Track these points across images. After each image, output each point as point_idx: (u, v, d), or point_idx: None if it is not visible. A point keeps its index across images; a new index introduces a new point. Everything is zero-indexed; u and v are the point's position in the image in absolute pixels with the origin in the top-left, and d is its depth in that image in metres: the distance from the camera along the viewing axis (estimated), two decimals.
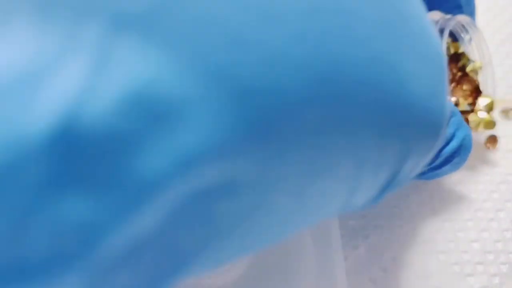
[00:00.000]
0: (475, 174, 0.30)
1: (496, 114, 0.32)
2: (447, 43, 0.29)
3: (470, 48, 0.30)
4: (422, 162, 0.18)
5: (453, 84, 0.29)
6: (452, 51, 0.30)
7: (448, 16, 0.28)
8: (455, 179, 0.30)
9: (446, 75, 0.17)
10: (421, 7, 0.16)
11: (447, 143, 0.24)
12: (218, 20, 0.12)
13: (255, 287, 0.25)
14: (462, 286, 0.26)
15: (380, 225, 0.28)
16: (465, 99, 0.29)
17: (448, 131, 0.24)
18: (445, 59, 0.17)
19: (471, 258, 0.27)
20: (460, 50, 0.30)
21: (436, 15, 0.28)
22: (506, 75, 0.34)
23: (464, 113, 0.29)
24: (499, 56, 0.35)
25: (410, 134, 0.16)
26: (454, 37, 0.30)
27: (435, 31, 0.17)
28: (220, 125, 0.12)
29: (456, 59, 0.30)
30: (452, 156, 0.24)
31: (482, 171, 0.30)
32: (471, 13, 0.30)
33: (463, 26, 0.29)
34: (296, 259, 0.25)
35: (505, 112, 0.32)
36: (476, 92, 0.29)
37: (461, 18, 0.28)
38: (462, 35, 0.29)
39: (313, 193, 0.15)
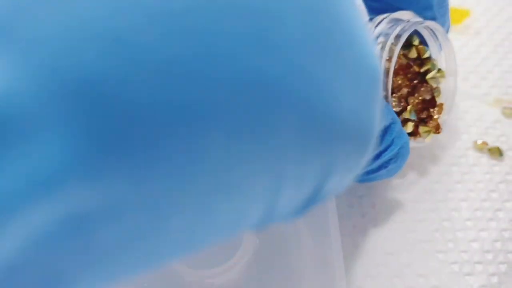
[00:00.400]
0: (474, 174, 0.30)
1: (495, 114, 0.32)
2: (414, 45, 0.28)
3: (439, 56, 0.29)
4: (349, 176, 0.17)
5: (406, 90, 0.28)
6: (415, 54, 0.28)
7: (418, 19, 0.27)
8: (455, 179, 0.30)
9: (379, 87, 0.16)
10: (355, 11, 0.15)
11: (385, 149, 0.24)
12: (75, 21, 0.11)
13: (255, 286, 0.25)
14: (461, 285, 0.26)
15: (379, 224, 0.28)
16: (414, 106, 0.28)
17: (388, 138, 0.24)
18: (379, 71, 0.15)
19: (470, 258, 0.27)
20: (426, 55, 0.28)
21: (407, 15, 0.27)
22: (503, 75, 0.34)
23: (409, 120, 0.28)
24: (497, 56, 0.35)
25: (335, 149, 0.15)
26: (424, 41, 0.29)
27: (369, 40, 0.16)
28: (72, 142, 0.11)
29: (420, 63, 0.29)
30: (389, 162, 0.24)
31: (481, 171, 0.30)
32: (444, 16, 0.29)
33: (432, 31, 0.28)
34: (296, 258, 0.25)
35: (504, 112, 0.32)
36: (430, 102, 0.29)
37: (431, 24, 0.27)
38: (432, 41, 0.28)
39: (220, 210, 0.14)
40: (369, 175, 0.24)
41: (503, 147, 0.31)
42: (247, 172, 0.13)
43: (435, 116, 0.28)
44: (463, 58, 0.35)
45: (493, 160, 0.30)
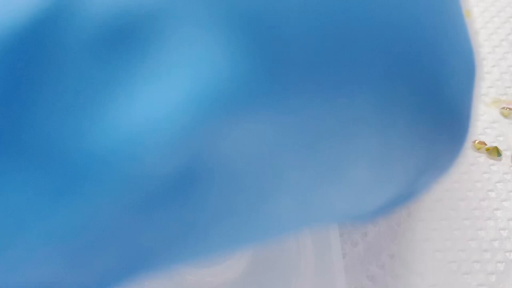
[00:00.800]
0: (472, 173, 0.30)
1: (494, 114, 0.32)
2: None
3: None
4: (440, 175, 0.16)
5: None
6: None
7: None
8: (453, 178, 0.30)
9: (476, 78, 0.15)
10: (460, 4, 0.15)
11: None
12: None
13: (255, 285, 0.25)
14: (459, 284, 0.26)
15: (378, 223, 0.28)
16: None
17: None
18: (476, 61, 0.15)
19: (468, 257, 0.27)
20: None
21: None
22: (502, 76, 0.34)
23: None
24: (496, 57, 0.35)
25: (438, 141, 0.14)
26: None
27: (470, 31, 0.15)
28: (241, 64, 0.09)
29: None
30: None
31: (479, 170, 0.30)
32: None
33: None
34: (295, 257, 0.25)
35: (502, 112, 0.32)
36: None
37: None
38: None
39: (319, 193, 0.13)
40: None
41: (501, 147, 0.31)
42: (360, 152, 0.12)
43: None
44: None
45: (491, 160, 0.31)
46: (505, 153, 0.31)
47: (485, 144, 0.31)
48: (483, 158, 0.31)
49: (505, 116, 0.32)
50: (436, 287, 0.26)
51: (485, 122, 0.32)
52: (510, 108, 0.32)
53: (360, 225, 0.27)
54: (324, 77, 0.11)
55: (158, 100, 0.08)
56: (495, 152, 0.30)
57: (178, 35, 0.08)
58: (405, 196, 0.15)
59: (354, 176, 0.13)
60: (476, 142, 0.31)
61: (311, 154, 0.11)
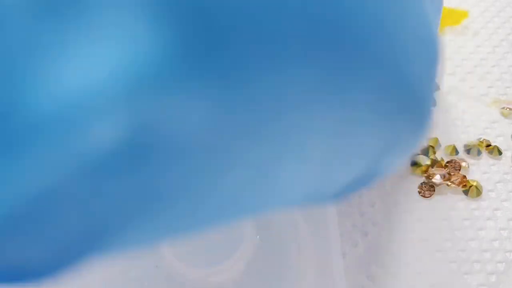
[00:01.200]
0: (473, 173, 0.30)
1: (494, 114, 0.32)
2: None
3: None
4: (402, 155, 0.16)
5: None
6: None
7: None
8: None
9: (438, 62, 0.15)
10: None
11: None
12: None
13: (255, 285, 0.25)
14: (459, 284, 0.26)
15: (378, 223, 0.28)
16: None
17: None
18: (441, 48, 0.15)
19: (468, 257, 0.27)
20: None
21: None
22: (502, 76, 0.34)
23: None
24: (496, 57, 0.35)
25: (400, 121, 0.14)
26: None
27: (432, 18, 0.15)
28: (166, 39, 0.09)
29: None
30: None
31: (479, 170, 0.30)
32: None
33: None
34: (295, 257, 0.25)
35: (502, 112, 0.32)
36: None
37: None
38: None
39: (277, 171, 0.12)
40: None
41: (501, 146, 0.31)
42: (316, 127, 0.12)
43: None
44: (462, 59, 0.35)
45: (491, 160, 0.31)
46: (505, 153, 0.31)
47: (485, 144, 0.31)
48: (483, 158, 0.31)
49: (505, 116, 0.32)
50: (436, 287, 0.26)
51: (485, 122, 0.32)
52: (510, 108, 0.32)
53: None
54: (272, 50, 0.11)
55: (92, 65, 0.09)
56: (496, 152, 0.31)
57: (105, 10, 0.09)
58: (368, 176, 0.15)
59: (312, 153, 0.13)
60: (476, 142, 0.31)
61: (263, 130, 0.11)
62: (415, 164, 0.30)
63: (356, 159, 0.14)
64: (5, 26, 0.08)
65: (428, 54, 0.15)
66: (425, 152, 0.31)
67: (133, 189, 0.10)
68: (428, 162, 0.30)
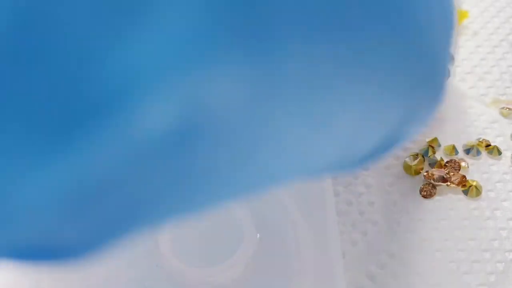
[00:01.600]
0: (472, 173, 0.30)
1: (493, 114, 0.32)
2: None
3: None
4: (417, 125, 0.17)
5: None
6: None
7: None
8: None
9: (454, 32, 0.16)
10: None
11: None
12: None
13: (255, 285, 0.25)
14: (458, 284, 0.26)
15: (378, 223, 0.28)
16: None
17: None
18: (456, 17, 0.16)
19: (467, 256, 0.27)
20: None
21: None
22: (501, 76, 0.34)
23: None
24: (495, 57, 0.35)
25: (420, 86, 0.15)
26: None
27: None
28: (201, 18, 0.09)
29: None
30: None
31: (479, 170, 0.30)
32: None
33: None
34: (295, 257, 0.25)
35: (501, 112, 0.33)
36: None
37: None
38: None
39: (309, 140, 0.13)
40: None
41: (501, 146, 0.31)
42: (345, 95, 0.13)
43: None
44: (461, 59, 0.35)
45: (491, 160, 0.31)
46: (505, 153, 0.31)
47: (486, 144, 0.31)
48: (482, 158, 0.31)
49: (505, 116, 0.32)
50: (436, 287, 0.26)
51: (485, 122, 0.32)
52: (509, 108, 0.32)
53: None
54: (305, 27, 0.11)
55: (153, 44, 0.09)
56: (495, 152, 0.31)
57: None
58: (390, 143, 0.16)
59: (340, 122, 0.13)
60: (476, 142, 0.31)
61: (297, 103, 0.12)
62: (407, 165, 0.30)
63: (379, 125, 0.15)
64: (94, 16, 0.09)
65: (445, 23, 0.15)
66: (425, 152, 0.31)
67: (177, 167, 0.11)
68: (421, 165, 0.30)
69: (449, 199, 0.29)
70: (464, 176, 0.29)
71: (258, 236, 0.26)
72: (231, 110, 0.11)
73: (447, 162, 0.30)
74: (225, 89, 0.10)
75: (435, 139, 0.31)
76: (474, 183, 0.29)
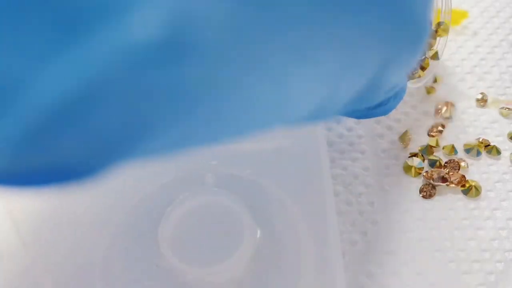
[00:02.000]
0: (472, 173, 0.30)
1: (493, 114, 0.32)
2: None
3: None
4: (401, 73, 0.17)
5: None
6: None
7: None
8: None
9: None
10: None
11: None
12: None
13: (255, 285, 0.25)
14: (458, 284, 0.26)
15: (378, 222, 0.28)
16: None
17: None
18: None
19: (467, 256, 0.27)
20: None
21: None
22: (501, 76, 0.34)
23: None
24: (495, 57, 0.35)
25: (397, 38, 0.15)
26: None
27: None
28: None
29: None
30: (388, 100, 0.24)
31: (478, 170, 0.30)
32: None
33: None
34: (295, 257, 0.25)
35: (501, 112, 0.33)
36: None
37: None
38: None
39: (294, 76, 0.13)
40: (369, 111, 0.24)
41: (500, 146, 0.31)
42: (318, 41, 0.13)
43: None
44: (461, 59, 0.35)
45: (491, 160, 0.31)
46: (504, 153, 0.31)
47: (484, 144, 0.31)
48: (482, 158, 0.31)
49: (505, 116, 0.32)
50: (435, 286, 0.26)
51: (484, 122, 0.32)
52: (509, 108, 0.32)
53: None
54: None
55: None
56: (495, 152, 0.31)
57: None
58: (370, 91, 0.17)
59: (324, 60, 0.14)
60: (475, 142, 0.31)
61: (283, 36, 0.12)
62: (407, 165, 0.30)
63: (359, 72, 0.15)
64: None
65: None
66: (424, 152, 0.31)
67: (170, 86, 0.11)
68: (421, 165, 0.30)
69: (448, 199, 0.29)
70: (463, 176, 0.29)
71: (258, 236, 0.26)
72: (218, 30, 0.11)
73: (446, 162, 0.30)
74: (212, 5, 0.10)
75: (435, 139, 0.31)
76: (474, 183, 0.29)
